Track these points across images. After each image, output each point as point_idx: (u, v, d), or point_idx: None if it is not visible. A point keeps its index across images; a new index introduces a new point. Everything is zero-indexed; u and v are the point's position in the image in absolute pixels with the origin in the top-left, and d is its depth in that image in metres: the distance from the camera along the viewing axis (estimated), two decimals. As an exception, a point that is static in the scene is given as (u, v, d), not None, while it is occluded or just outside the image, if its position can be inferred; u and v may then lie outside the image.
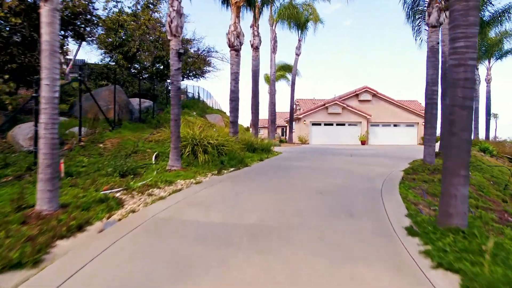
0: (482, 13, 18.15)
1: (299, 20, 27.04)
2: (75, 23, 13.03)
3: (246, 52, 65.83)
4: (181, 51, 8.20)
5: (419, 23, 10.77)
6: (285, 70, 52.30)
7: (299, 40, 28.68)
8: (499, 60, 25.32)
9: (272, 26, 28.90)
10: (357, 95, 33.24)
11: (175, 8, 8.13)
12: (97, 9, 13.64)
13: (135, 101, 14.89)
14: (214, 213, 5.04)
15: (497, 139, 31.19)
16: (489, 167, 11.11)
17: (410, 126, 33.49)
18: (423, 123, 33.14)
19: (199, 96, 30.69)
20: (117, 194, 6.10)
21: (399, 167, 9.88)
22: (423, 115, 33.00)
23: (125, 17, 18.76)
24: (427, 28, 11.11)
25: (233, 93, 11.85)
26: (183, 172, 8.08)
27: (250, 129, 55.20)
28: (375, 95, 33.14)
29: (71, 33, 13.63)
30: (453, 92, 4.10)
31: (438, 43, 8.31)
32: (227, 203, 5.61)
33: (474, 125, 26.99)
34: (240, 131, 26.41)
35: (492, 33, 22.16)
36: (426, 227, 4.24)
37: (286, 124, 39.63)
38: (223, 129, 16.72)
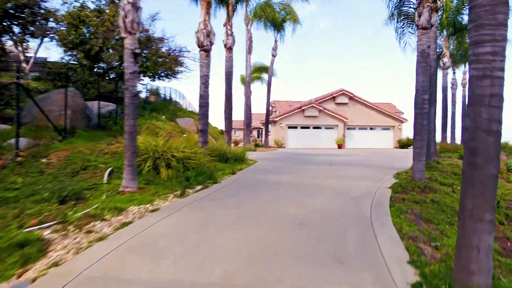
0: (461, 17, 17.87)
1: (275, 20, 26.09)
2: (21, 16, 11.43)
3: (220, 52, 64.47)
4: (137, 51, 6.95)
5: (403, 25, 9.99)
6: (262, 71, 51.41)
7: (276, 41, 27.78)
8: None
9: (247, 26, 27.84)
10: (333, 98, 32.74)
11: (130, 1, 6.87)
12: (46, 1, 12.02)
13: (96, 105, 13.37)
14: (165, 264, 3.86)
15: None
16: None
17: (386, 130, 33.35)
18: (399, 127, 32.99)
19: (170, 97, 29.07)
20: (47, 232, 4.80)
21: (384, 182, 9.04)
22: (399, 118, 32.82)
23: (87, 12, 17.15)
24: (411, 30, 10.38)
25: (203, 98, 10.65)
26: (139, 194, 6.81)
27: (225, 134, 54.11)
28: (351, 98, 32.77)
29: (17, 27, 12.01)
30: (475, 112, 3.14)
31: (429, 46, 7.48)
32: (185, 245, 4.44)
33: (451, 130, 27.01)
34: (215, 134, 25.20)
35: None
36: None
37: (263, 126, 38.60)
38: (194, 136, 15.48)
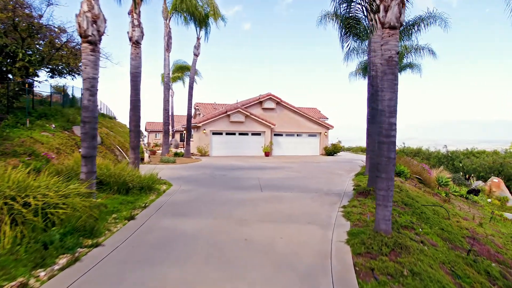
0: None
1: (197, 15, 23.22)
2: None
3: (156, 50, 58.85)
4: None
5: (348, 24, 8.10)
6: (184, 70, 47.89)
7: (198, 39, 24.90)
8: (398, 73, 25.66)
9: (166, 20, 24.53)
10: (260, 103, 31.02)
11: None
12: None
13: None
14: None
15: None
16: (426, 208, 9.16)
17: (313, 136, 32.74)
18: (326, 133, 32.63)
19: (72, 98, 24.09)
20: None
21: (336, 226, 7.00)
22: (326, 125, 32.44)
23: None
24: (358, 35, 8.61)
25: (87, 111, 7.46)
26: None
27: (146, 145, 49.08)
28: (279, 103, 31.42)
29: None
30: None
31: (398, 52, 5.56)
32: None
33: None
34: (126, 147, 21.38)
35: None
36: None
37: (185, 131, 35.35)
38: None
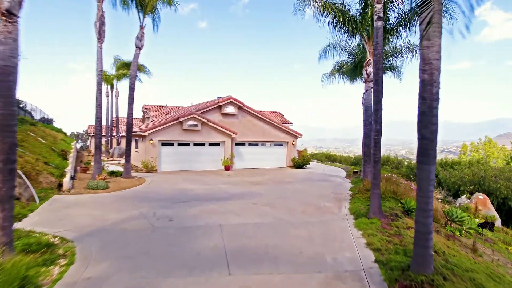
0: (387, 22, 13.78)
1: (140, -3, 18.16)
2: None
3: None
4: None
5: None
6: (129, 68, 41.63)
7: (142, 27, 19.79)
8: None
9: (98, 1, 19.07)
10: (220, 108, 26.45)
11: None
12: None
13: None
14: None
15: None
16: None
17: (280, 146, 28.78)
18: (293, 142, 28.70)
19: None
20: None
21: None
22: (294, 133, 28.48)
23: None
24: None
25: None
26: None
27: (87, 152, 42.30)
28: (241, 108, 27.05)
29: None
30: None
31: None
32: None
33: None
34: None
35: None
36: None
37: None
38: None
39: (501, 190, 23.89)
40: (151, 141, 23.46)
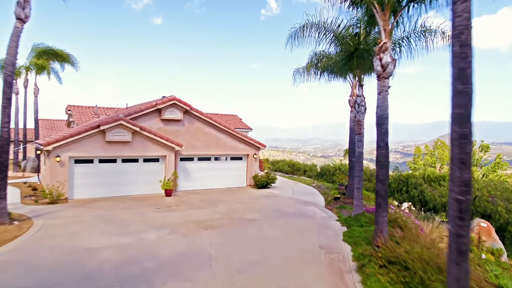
0: None
1: None
2: None
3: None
4: None
5: None
6: (54, 57, 33.26)
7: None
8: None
9: None
10: (159, 111, 20.01)
11: None
12: None
13: None
14: None
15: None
16: None
17: (238, 160, 22.90)
18: (255, 155, 22.69)
19: None
20: None
21: None
22: (256, 144, 22.55)
23: None
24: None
25: None
26: None
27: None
28: (187, 112, 20.78)
29: None
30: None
31: None
32: None
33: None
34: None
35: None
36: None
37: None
38: None
39: (501, 213, 20.28)
40: (58, 159, 16.48)
